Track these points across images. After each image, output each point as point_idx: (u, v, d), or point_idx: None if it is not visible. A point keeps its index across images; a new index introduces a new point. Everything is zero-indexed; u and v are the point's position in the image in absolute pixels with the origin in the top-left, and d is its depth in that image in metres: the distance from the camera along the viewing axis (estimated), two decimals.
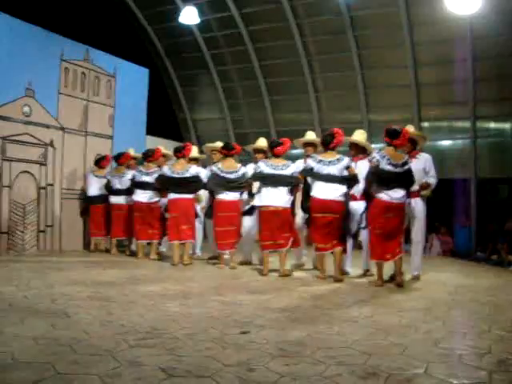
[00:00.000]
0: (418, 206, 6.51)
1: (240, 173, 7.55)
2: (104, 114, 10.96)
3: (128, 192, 8.97)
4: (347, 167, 6.30)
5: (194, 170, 7.93)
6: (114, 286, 5.61)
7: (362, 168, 6.43)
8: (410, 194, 6.21)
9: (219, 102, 14.87)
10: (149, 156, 8.77)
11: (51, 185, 9.63)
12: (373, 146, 12.76)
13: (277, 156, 7.02)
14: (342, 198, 6.26)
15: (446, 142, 12.82)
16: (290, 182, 6.82)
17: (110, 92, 11.10)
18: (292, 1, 12.41)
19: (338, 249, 6.27)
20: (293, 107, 14.09)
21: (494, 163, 12.11)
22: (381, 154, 5.91)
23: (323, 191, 6.24)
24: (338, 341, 3.44)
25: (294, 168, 6.85)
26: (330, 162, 6.27)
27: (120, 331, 3.51)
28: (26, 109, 9.14)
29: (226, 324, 3.84)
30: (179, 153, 8.08)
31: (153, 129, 12.64)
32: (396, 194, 5.89)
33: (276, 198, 6.77)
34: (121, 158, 9.51)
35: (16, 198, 8.92)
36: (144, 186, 8.57)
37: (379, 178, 5.91)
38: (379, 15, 11.94)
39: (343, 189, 6.27)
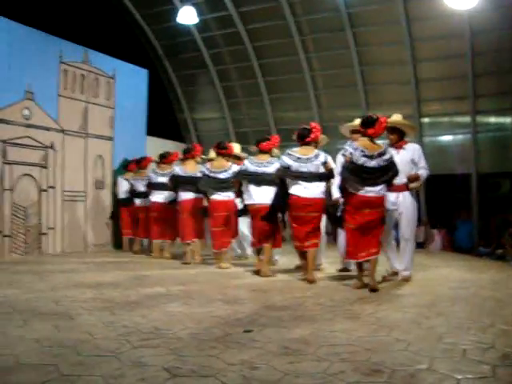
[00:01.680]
0: (406, 200, 6.03)
1: (231, 172, 7.46)
2: (104, 116, 10.96)
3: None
4: (324, 163, 6.11)
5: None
6: (116, 287, 5.61)
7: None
8: (397, 188, 5.86)
9: (219, 101, 14.86)
10: (165, 158, 9.04)
11: (52, 187, 9.64)
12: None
13: (263, 152, 6.90)
14: (322, 196, 6.14)
15: (446, 138, 12.80)
16: (273, 180, 6.54)
17: (109, 93, 11.10)
18: None
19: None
20: (293, 105, 14.08)
21: (495, 158, 12.09)
22: (353, 146, 5.46)
23: (304, 189, 6.04)
24: (341, 338, 3.44)
25: (278, 165, 6.46)
26: (307, 159, 6.07)
27: (123, 332, 3.52)
28: (26, 112, 9.15)
29: (229, 323, 3.84)
30: (188, 154, 8.22)
31: (153, 129, 12.65)
32: (372, 188, 5.44)
33: (260, 195, 6.70)
34: (142, 162, 9.83)
35: (17, 201, 8.93)
36: (160, 186, 8.75)
37: (353, 172, 5.47)
38: (377, 11, 11.93)
39: (323, 185, 6.14)
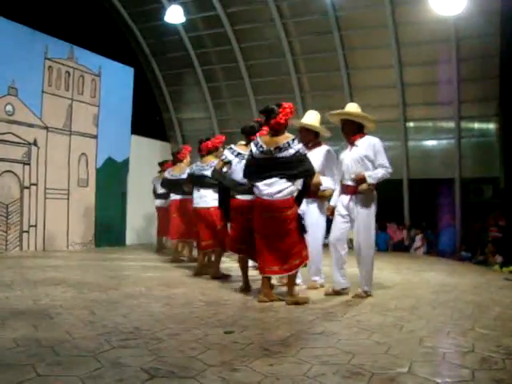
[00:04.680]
0: (358, 204, 5.19)
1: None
2: (88, 113, 10.89)
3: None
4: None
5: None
6: (97, 286, 5.56)
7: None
8: (348, 190, 5.21)
9: (204, 101, 14.82)
10: (174, 156, 8.91)
11: (35, 184, 9.54)
12: None
13: (203, 155, 6.76)
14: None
15: (430, 142, 12.88)
16: (212, 183, 6.26)
17: (94, 91, 11.03)
18: (277, 1, 12.40)
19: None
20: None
21: (478, 163, 12.19)
22: (255, 141, 4.96)
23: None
24: (322, 340, 3.44)
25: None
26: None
27: (103, 332, 3.48)
28: (9, 107, 9.06)
29: (210, 324, 3.82)
30: (175, 156, 8.47)
31: (138, 128, 12.58)
32: (269, 189, 4.77)
33: (199, 198, 6.68)
34: (164, 165, 9.87)
35: None
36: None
37: (249, 170, 4.98)
38: (365, 15, 11.98)
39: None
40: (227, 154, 5.65)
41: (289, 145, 4.75)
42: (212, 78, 14.51)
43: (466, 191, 12.29)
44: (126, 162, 11.94)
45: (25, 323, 3.66)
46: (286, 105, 4.85)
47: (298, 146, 4.77)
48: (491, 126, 12.07)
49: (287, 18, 12.71)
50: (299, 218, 4.86)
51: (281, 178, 4.76)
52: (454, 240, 11.79)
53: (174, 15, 11.47)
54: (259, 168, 4.87)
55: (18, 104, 9.22)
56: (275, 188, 4.76)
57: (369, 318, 4.23)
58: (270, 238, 4.83)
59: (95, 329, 3.58)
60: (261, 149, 4.84)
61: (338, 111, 5.61)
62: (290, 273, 4.86)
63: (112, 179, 11.47)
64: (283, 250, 4.81)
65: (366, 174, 5.10)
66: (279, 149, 4.77)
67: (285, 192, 4.76)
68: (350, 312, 4.44)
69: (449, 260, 10.54)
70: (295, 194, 4.85)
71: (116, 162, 11.65)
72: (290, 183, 4.79)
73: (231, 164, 5.59)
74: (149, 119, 14.45)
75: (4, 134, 8.94)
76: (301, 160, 4.79)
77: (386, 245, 12.28)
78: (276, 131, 4.85)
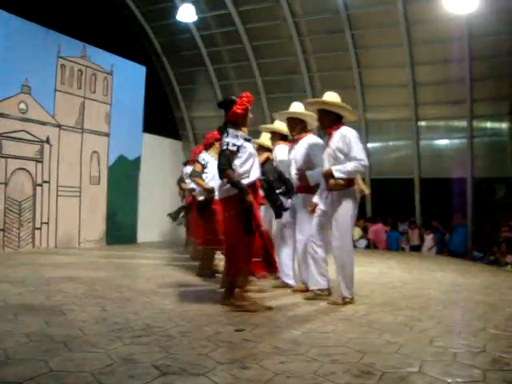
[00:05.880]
0: (334, 201, 4.80)
1: None
2: (100, 112, 10.95)
3: None
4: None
5: None
6: (109, 283, 5.60)
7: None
8: (327, 187, 4.83)
9: (216, 99, 14.82)
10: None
11: (47, 182, 9.61)
12: (370, 145, 13.05)
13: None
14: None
15: (442, 141, 12.80)
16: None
17: (106, 89, 11.09)
18: None
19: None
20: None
21: (491, 163, 12.09)
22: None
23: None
24: (333, 339, 3.44)
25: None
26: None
27: (114, 328, 3.51)
28: (23, 106, 9.13)
29: (221, 322, 3.84)
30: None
31: (150, 126, 12.63)
32: (218, 187, 4.60)
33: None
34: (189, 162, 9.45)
35: (12, 195, 8.91)
36: None
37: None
38: (377, 14, 11.91)
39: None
40: (205, 156, 5.77)
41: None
42: (224, 76, 14.52)
43: (478, 191, 12.21)
44: (137, 160, 11.99)
45: (37, 319, 3.70)
46: (243, 94, 4.52)
47: (225, 140, 4.41)
48: (504, 125, 11.96)
49: (299, 17, 12.69)
50: (240, 219, 4.29)
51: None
52: (466, 240, 11.72)
53: (186, 14, 11.51)
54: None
55: (32, 102, 9.29)
56: (220, 186, 4.53)
57: (379, 317, 4.22)
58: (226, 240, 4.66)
59: (107, 325, 3.61)
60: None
61: (314, 99, 5.23)
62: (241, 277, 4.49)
63: (124, 177, 11.52)
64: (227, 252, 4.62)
65: (333, 168, 4.67)
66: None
67: (223, 189, 4.48)
68: (360, 311, 4.43)
69: (460, 260, 10.48)
70: (232, 193, 4.35)
71: (128, 160, 11.71)
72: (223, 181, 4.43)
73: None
74: (160, 117, 14.50)
75: (17, 131, 9.02)
76: (222, 155, 4.40)
77: (397, 244, 12.22)
78: (233, 123, 4.49)
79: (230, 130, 4.45)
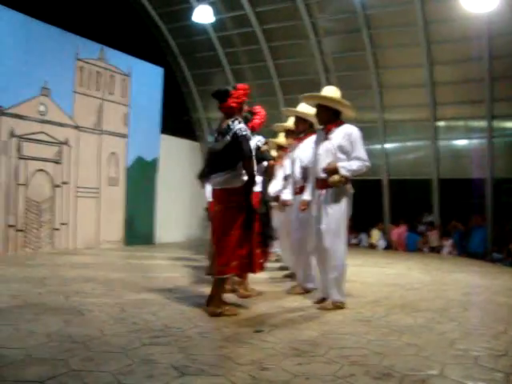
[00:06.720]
0: (328, 200, 4.58)
1: None
2: (119, 113, 11.01)
3: None
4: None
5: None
6: (127, 284, 5.63)
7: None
8: (319, 184, 4.66)
9: None
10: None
11: (66, 183, 9.70)
12: (387, 146, 12.98)
13: None
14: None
15: (461, 142, 12.67)
16: None
17: (124, 91, 11.15)
18: None
19: None
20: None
21: (511, 163, 11.96)
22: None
23: None
24: (352, 341, 3.41)
25: None
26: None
27: (133, 329, 3.52)
28: (42, 108, 9.22)
29: (240, 323, 3.83)
30: None
31: (167, 128, 12.68)
32: (216, 178, 4.29)
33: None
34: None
35: (31, 196, 9.00)
36: None
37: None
38: (394, 13, 11.84)
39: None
40: None
41: (228, 130, 4.18)
42: (241, 77, 14.52)
43: (498, 192, 12.06)
44: (155, 162, 12.03)
45: (57, 319, 3.73)
46: (239, 86, 4.31)
47: (237, 126, 4.15)
48: None
49: (316, 17, 12.66)
50: (241, 212, 4.13)
51: (218, 164, 4.28)
52: (485, 241, 11.58)
53: (203, 15, 11.54)
54: (208, 156, 4.54)
55: (51, 104, 9.38)
56: (219, 175, 4.27)
57: (398, 318, 4.19)
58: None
59: (126, 326, 3.62)
60: (215, 134, 4.35)
61: (312, 94, 5.06)
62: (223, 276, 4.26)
63: (141, 178, 11.58)
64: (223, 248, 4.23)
65: (340, 164, 4.47)
66: (221, 134, 4.24)
67: (224, 180, 4.25)
68: (379, 313, 4.40)
69: (480, 261, 10.36)
70: (237, 185, 4.19)
71: (145, 161, 11.76)
72: (228, 170, 4.20)
73: None
74: (178, 119, 14.55)
75: (37, 133, 9.11)
76: (233, 146, 4.14)
77: (415, 246, 12.11)
78: (228, 115, 4.28)
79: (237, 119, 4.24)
